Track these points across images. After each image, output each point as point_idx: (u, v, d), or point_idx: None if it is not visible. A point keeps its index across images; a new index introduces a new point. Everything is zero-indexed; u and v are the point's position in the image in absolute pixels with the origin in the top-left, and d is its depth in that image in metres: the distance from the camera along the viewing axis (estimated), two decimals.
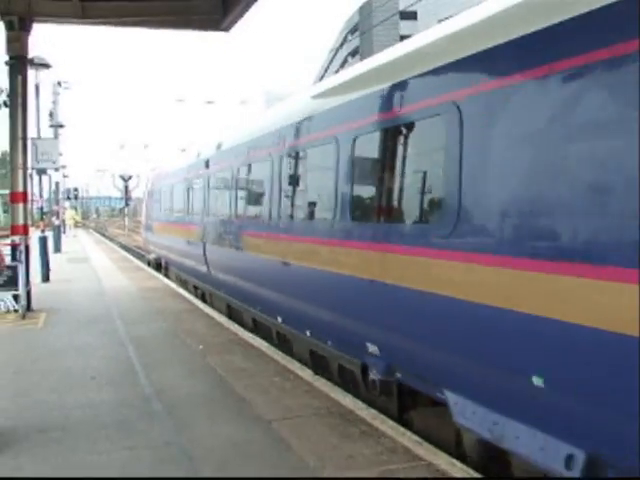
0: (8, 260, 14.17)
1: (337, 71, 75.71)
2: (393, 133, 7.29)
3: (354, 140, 7.95)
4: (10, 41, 14.32)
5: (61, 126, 37.60)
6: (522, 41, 5.31)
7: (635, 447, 4.33)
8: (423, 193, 6.75)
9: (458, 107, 5.94)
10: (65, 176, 65.39)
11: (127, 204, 73.59)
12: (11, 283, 13.60)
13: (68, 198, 69.81)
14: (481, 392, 5.94)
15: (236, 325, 12.69)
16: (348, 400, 7.70)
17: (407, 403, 7.70)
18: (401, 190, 7.26)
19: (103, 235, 65.18)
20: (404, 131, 7.17)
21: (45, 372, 9.17)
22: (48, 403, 7.71)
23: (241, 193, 13.29)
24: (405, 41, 8.12)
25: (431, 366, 6.76)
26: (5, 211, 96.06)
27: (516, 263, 5.18)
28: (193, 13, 14.98)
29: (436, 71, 6.47)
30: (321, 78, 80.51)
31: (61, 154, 23.01)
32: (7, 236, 17.52)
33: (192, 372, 9.06)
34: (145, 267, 26.47)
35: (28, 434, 6.63)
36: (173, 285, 19.77)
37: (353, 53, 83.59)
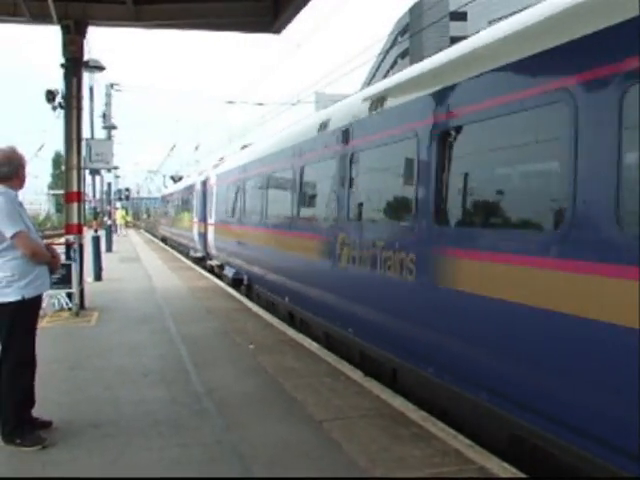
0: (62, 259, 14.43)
1: (387, 73, 75.41)
2: None
3: None
4: (66, 44, 14.57)
5: (113, 127, 38.10)
6: None
7: None
8: None
9: None
10: (117, 177, 66.29)
11: None
12: (65, 281, 13.82)
13: (120, 199, 70.76)
14: None
15: (286, 325, 12.73)
16: (399, 402, 7.68)
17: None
18: None
19: (153, 235, 65.93)
20: None
21: (99, 369, 9.32)
22: (102, 399, 7.83)
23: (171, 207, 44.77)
24: None
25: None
26: (58, 210, 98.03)
27: None
28: (244, 15, 15.06)
29: None
30: (371, 79, 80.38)
31: (114, 155, 23.28)
32: (60, 235, 17.83)
33: (243, 371, 9.12)
34: (195, 267, 26.75)
35: (83, 429, 6.74)
36: (223, 285, 19.92)
37: (403, 54, 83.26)
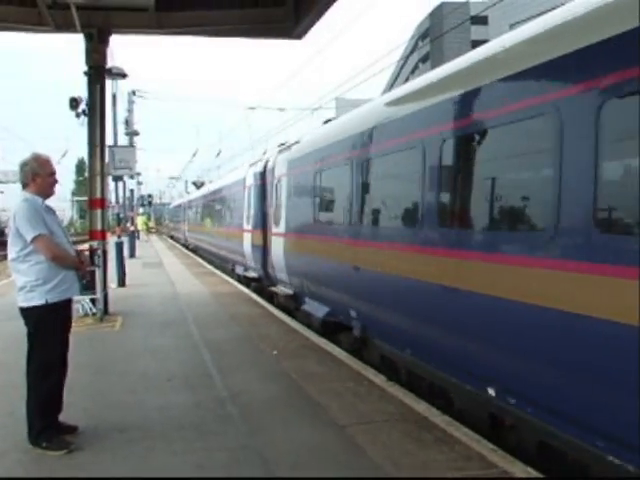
0: None
1: (407, 78, 75.22)
2: None
3: None
4: (89, 52, 14.70)
5: (136, 134, 38.34)
6: None
7: None
8: None
9: None
10: (140, 183, 66.62)
11: None
12: (89, 287, 13.88)
13: (142, 205, 71.17)
14: None
15: (309, 330, 12.73)
16: (422, 406, 7.67)
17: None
18: None
19: (178, 241, 66.30)
20: None
21: (123, 373, 9.40)
22: (127, 404, 7.89)
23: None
24: None
25: None
26: (82, 217, 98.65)
27: None
28: (266, 21, 15.13)
29: None
30: (392, 85, 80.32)
31: (137, 161, 23.50)
32: (83, 241, 17.92)
33: (266, 376, 9.15)
34: (218, 272, 26.86)
35: (108, 433, 6.80)
36: (246, 290, 19.98)
37: (424, 59, 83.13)
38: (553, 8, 6.53)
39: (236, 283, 22.31)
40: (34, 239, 6.35)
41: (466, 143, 7.33)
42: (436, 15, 77.23)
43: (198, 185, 60.25)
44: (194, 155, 68.43)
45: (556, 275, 5.63)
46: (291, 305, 15.49)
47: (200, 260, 35.35)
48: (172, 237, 70.52)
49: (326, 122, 14.93)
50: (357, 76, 68.74)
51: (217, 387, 8.61)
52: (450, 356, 7.64)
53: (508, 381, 6.45)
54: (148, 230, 75.40)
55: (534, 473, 5.79)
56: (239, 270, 23.58)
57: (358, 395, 8.12)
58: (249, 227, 20.61)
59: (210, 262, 33.00)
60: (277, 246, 16.23)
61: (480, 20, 66.43)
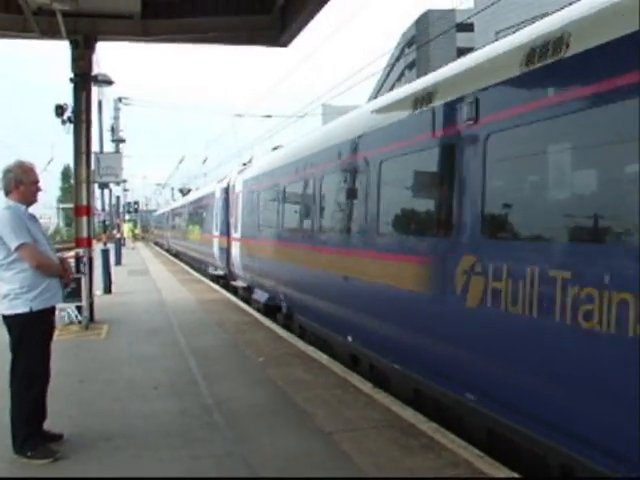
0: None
1: (393, 85, 75.40)
2: None
3: None
4: (75, 59, 14.65)
5: (122, 141, 38.22)
6: None
7: None
8: None
9: None
10: (126, 190, 66.41)
11: None
12: (75, 295, 13.78)
13: (129, 212, 71.00)
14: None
15: (296, 338, 12.74)
16: (408, 413, 7.67)
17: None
18: None
19: (162, 247, 66.20)
20: None
21: (109, 381, 9.35)
22: (112, 412, 7.86)
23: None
24: None
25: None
26: (67, 224, 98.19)
27: None
28: (252, 29, 15.15)
29: None
30: (377, 92, 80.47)
31: (123, 168, 23.44)
32: (69, 248, 17.86)
33: (252, 384, 9.14)
34: (204, 279, 26.86)
35: (94, 441, 6.76)
36: (233, 297, 19.96)
37: (410, 66, 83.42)
38: (544, 14, 6.57)
39: (223, 290, 22.31)
40: (18, 247, 6.32)
41: (328, 178, 11.58)
42: (422, 23, 77.58)
43: (184, 192, 60.21)
44: (180, 162, 68.44)
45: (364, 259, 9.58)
46: (246, 295, 19.60)
47: (186, 267, 35.30)
48: (157, 243, 75.10)
49: (274, 149, 18.91)
50: (344, 83, 68.79)
51: (203, 394, 8.59)
52: (330, 320, 11.39)
53: (358, 330, 9.96)
54: (134, 237, 75.24)
55: (518, 478, 5.82)
56: (211, 270, 28.31)
57: (344, 402, 8.12)
58: (217, 233, 25.44)
59: (190, 265, 36.61)
60: (235, 248, 20.98)
61: (466, 27, 66.70)
